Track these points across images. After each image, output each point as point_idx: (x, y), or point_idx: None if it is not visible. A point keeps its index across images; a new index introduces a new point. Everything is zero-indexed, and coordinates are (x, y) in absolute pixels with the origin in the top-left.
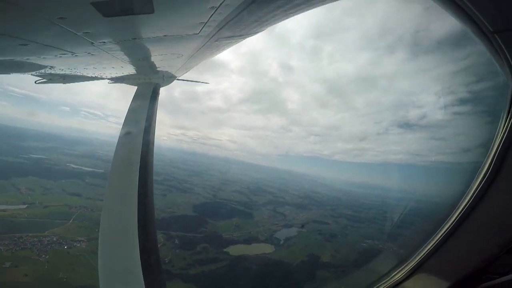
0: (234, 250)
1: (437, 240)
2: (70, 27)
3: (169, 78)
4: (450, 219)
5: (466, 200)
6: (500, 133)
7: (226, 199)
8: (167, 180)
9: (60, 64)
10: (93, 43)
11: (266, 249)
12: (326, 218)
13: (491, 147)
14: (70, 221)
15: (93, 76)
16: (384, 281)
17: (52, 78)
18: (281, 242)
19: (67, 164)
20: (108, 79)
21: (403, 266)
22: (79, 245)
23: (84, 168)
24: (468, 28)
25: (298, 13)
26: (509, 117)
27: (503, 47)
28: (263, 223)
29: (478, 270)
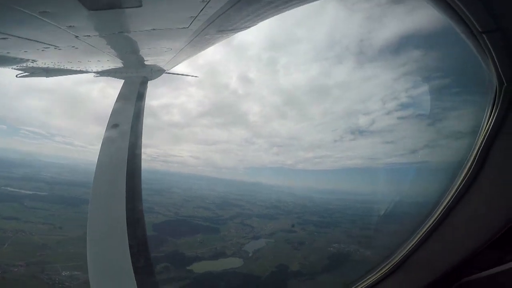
0: (199, 267)
1: (419, 237)
2: (53, 21)
3: (157, 71)
4: (432, 217)
5: (448, 198)
6: (482, 132)
7: (190, 215)
8: None
9: (43, 58)
10: (77, 36)
11: (234, 263)
12: (293, 226)
13: (473, 146)
14: (5, 246)
15: (78, 69)
16: (367, 278)
17: (35, 72)
18: (250, 255)
19: (3, 187)
20: (93, 72)
21: (385, 263)
22: (16, 269)
23: (22, 191)
24: (458, 28)
25: (289, 9)
26: (491, 117)
27: (490, 47)
28: (230, 237)
29: (460, 265)
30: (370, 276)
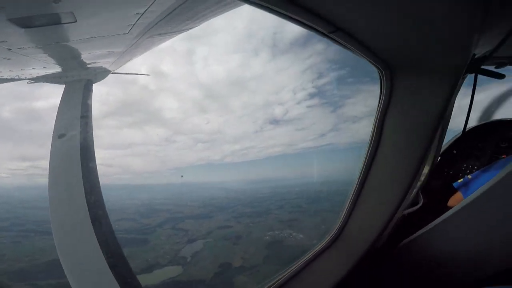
0: None
1: (348, 209)
2: None
3: (102, 73)
4: (355, 191)
5: (361, 174)
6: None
7: None
8: (19, 225)
9: None
10: (10, 49)
11: (172, 272)
12: (229, 221)
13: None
14: None
15: (9, 78)
16: (305, 256)
17: None
18: (189, 260)
19: None
20: (27, 79)
21: (323, 240)
22: None
23: None
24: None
25: (225, 12)
26: (380, 102)
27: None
28: (162, 245)
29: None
30: (308, 253)
